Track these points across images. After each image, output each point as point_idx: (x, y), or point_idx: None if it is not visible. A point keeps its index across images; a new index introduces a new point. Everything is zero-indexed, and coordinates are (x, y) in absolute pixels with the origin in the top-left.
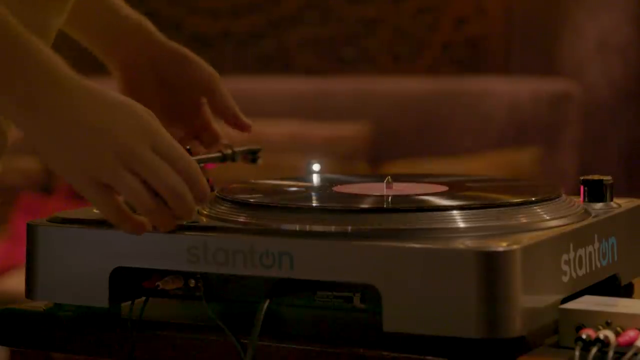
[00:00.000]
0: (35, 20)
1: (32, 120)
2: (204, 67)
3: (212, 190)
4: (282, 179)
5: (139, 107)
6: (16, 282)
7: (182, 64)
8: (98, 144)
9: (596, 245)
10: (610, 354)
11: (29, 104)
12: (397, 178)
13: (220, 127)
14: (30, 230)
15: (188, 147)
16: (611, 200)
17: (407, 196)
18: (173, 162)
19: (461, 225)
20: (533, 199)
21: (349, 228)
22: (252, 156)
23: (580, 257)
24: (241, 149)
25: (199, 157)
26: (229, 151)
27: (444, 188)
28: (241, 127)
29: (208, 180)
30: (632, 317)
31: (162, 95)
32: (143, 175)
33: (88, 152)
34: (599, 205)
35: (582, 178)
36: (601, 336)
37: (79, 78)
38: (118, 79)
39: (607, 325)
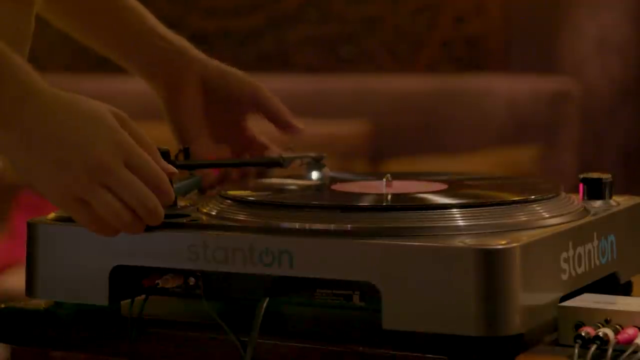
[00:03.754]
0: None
1: (7, 135)
2: (246, 80)
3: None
4: (281, 177)
5: (111, 118)
6: (16, 280)
7: (225, 80)
8: (72, 160)
9: (595, 243)
10: (609, 351)
11: (3, 118)
12: (397, 176)
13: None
14: (31, 228)
15: (185, 148)
16: (610, 198)
17: (406, 194)
18: (142, 173)
19: (460, 223)
20: (532, 197)
21: (349, 226)
22: (314, 163)
23: (579, 255)
24: (299, 155)
25: (180, 183)
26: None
27: (443, 186)
28: (292, 131)
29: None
30: (631, 314)
31: (209, 114)
32: (117, 191)
33: (62, 168)
34: (598, 203)
35: (581, 176)
36: (600, 334)
37: (52, 90)
38: (164, 100)
39: (606, 323)
